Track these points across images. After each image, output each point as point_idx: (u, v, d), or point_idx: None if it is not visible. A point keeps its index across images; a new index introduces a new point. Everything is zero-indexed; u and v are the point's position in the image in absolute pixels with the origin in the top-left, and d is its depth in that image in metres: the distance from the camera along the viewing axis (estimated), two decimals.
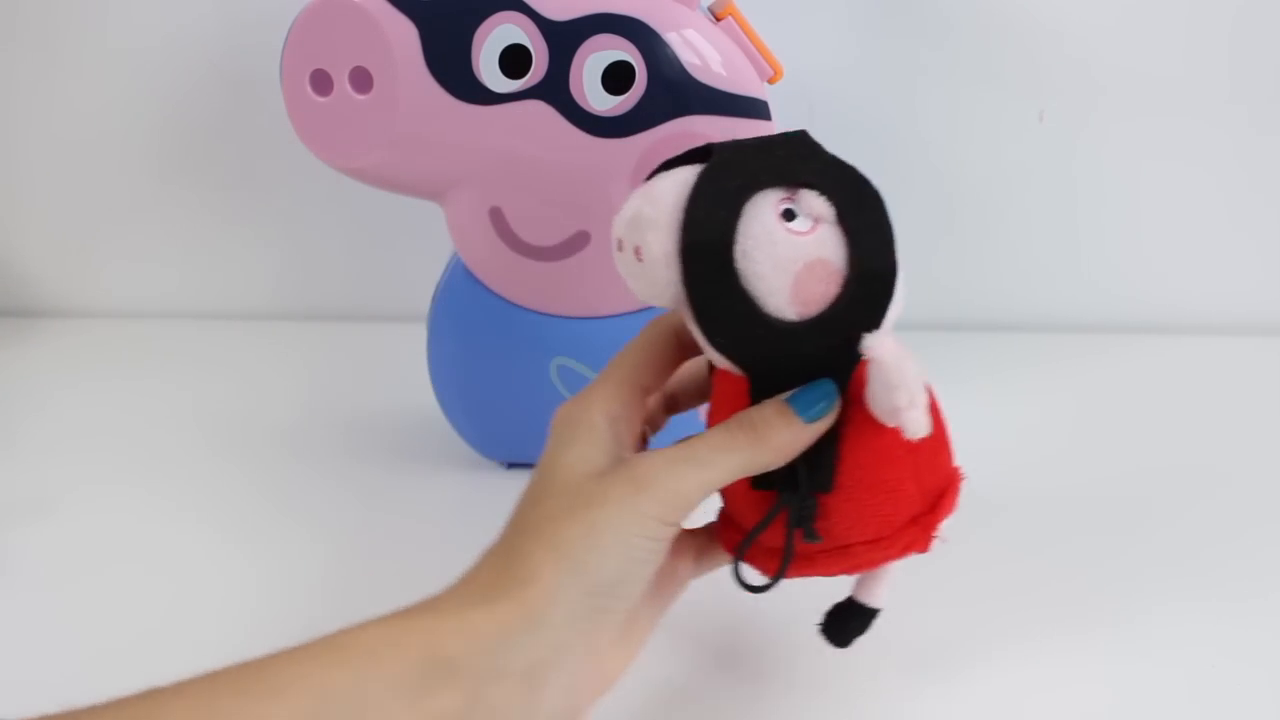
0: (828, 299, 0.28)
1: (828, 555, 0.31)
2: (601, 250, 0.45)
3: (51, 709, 0.33)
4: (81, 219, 0.69)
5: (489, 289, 0.46)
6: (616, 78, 0.42)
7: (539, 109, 0.42)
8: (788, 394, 0.29)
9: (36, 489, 0.50)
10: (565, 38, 0.41)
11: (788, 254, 0.28)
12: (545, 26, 0.41)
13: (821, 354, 0.29)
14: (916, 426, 0.28)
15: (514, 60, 0.42)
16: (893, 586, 0.34)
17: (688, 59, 0.42)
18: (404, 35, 0.41)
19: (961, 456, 0.32)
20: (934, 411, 0.31)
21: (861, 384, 0.29)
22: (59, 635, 0.40)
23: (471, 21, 0.41)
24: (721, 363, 0.30)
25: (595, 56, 0.41)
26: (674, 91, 0.42)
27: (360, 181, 0.45)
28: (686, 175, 0.29)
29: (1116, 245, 0.66)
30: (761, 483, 0.30)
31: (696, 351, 0.32)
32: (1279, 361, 0.63)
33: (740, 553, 0.31)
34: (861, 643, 0.35)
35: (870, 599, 0.34)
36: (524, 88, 0.42)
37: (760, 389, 0.30)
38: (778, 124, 0.43)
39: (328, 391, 0.60)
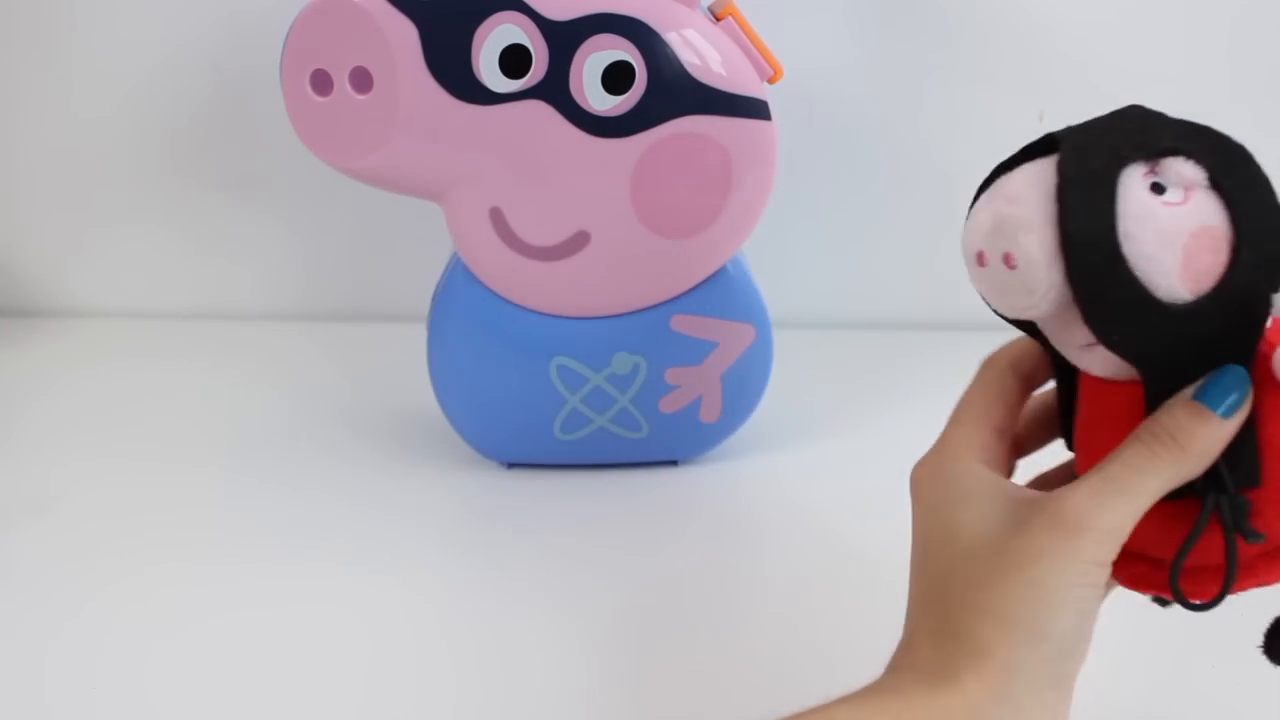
0: (1219, 269, 0.26)
1: (1270, 558, 0.28)
2: (602, 250, 0.45)
3: (51, 708, 0.34)
4: (81, 219, 0.69)
5: (489, 289, 0.46)
6: (616, 78, 0.42)
7: (539, 109, 0.42)
8: (1192, 390, 0.26)
9: (36, 489, 0.50)
10: (565, 38, 0.41)
11: (1171, 228, 0.25)
12: (545, 26, 0.41)
13: (1221, 335, 0.26)
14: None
15: (514, 60, 0.42)
16: None
17: (688, 59, 0.42)
18: (404, 35, 0.41)
19: None
20: None
21: (1266, 359, 0.26)
22: (58, 635, 0.40)
23: (471, 21, 0.41)
24: (1102, 369, 0.28)
25: (595, 56, 0.41)
26: (674, 91, 0.42)
27: (360, 181, 0.45)
28: (1040, 168, 0.26)
29: None
30: (1173, 494, 0.27)
31: (1037, 386, 0.31)
32: None
33: (1175, 579, 0.28)
34: (851, 634, 0.35)
35: None
36: (524, 88, 0.42)
37: (1157, 390, 0.27)
38: (778, 124, 0.43)
39: (328, 391, 0.60)
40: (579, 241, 0.45)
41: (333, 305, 0.71)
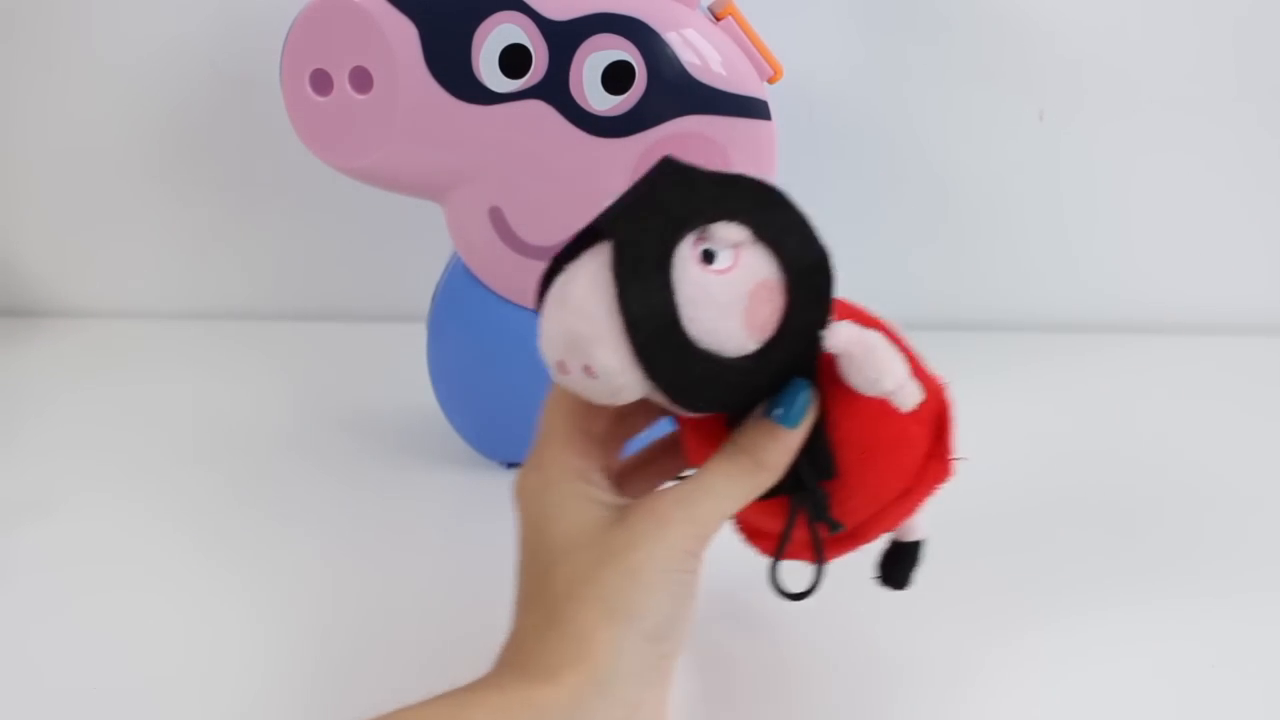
0: (779, 314, 0.28)
1: (865, 526, 0.32)
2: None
3: (50, 709, 0.33)
4: (81, 219, 0.69)
5: (489, 289, 0.46)
6: (616, 77, 0.42)
7: (539, 109, 0.42)
8: (766, 407, 0.29)
9: (36, 489, 0.50)
10: (565, 37, 0.41)
11: (727, 297, 0.27)
12: (545, 26, 0.41)
13: (789, 364, 0.29)
14: (910, 400, 0.29)
15: (514, 60, 0.42)
16: (926, 513, 0.34)
17: (688, 59, 0.42)
18: (404, 35, 0.41)
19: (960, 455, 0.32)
20: (896, 340, 0.31)
21: (830, 362, 0.29)
22: (57, 635, 0.40)
23: (471, 21, 0.41)
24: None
25: (595, 56, 0.41)
26: (674, 91, 0.42)
27: (360, 181, 0.45)
28: (596, 270, 0.27)
29: (1114, 245, 0.66)
30: (768, 493, 0.30)
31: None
32: (1279, 361, 0.63)
33: (779, 556, 0.32)
34: (856, 643, 0.35)
35: (911, 534, 0.34)
36: (524, 87, 0.42)
37: (738, 415, 0.30)
38: (778, 124, 0.43)
39: (328, 391, 0.60)
40: None
41: (333, 305, 0.71)
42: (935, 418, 0.32)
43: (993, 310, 0.68)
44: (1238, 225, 0.66)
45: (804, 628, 0.36)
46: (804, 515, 0.31)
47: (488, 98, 0.42)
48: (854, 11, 0.61)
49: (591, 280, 0.27)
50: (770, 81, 0.43)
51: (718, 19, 0.42)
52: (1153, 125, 0.63)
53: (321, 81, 0.41)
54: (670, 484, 0.30)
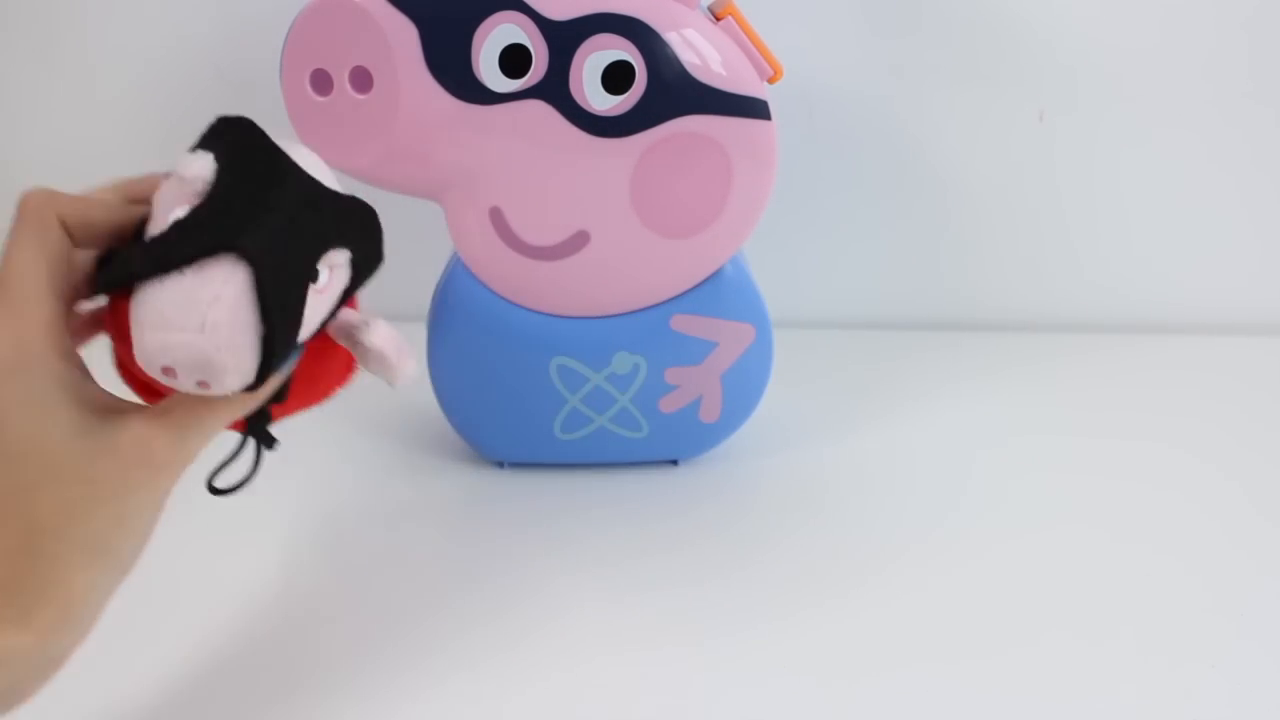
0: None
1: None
2: (602, 250, 0.45)
3: (50, 709, 0.33)
4: None
5: (489, 289, 0.46)
6: (616, 77, 0.42)
7: (539, 109, 0.42)
8: None
9: None
10: (565, 37, 0.41)
11: (316, 317, 0.30)
12: (545, 26, 0.41)
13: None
14: (408, 380, 0.34)
15: (514, 60, 0.42)
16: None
17: (688, 59, 0.42)
18: (404, 35, 0.41)
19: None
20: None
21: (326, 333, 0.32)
22: None
23: (471, 21, 0.41)
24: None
25: (595, 56, 0.41)
26: (674, 91, 0.42)
27: (360, 181, 0.45)
28: (239, 297, 0.26)
29: (1115, 245, 0.66)
30: None
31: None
32: (1279, 361, 0.63)
33: (214, 477, 0.33)
34: (849, 632, 0.35)
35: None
36: (524, 87, 0.42)
37: None
38: (778, 124, 0.43)
39: None
40: (579, 241, 0.45)
41: None
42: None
43: (993, 310, 0.68)
44: (1240, 225, 0.66)
45: None
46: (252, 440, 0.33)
47: (488, 98, 0.42)
48: (854, 11, 0.61)
49: (236, 313, 0.26)
50: (770, 81, 0.43)
51: (718, 19, 0.42)
52: (1152, 125, 0.63)
53: (321, 81, 0.41)
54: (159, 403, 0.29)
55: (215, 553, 0.45)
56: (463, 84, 0.42)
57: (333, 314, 0.31)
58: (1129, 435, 0.54)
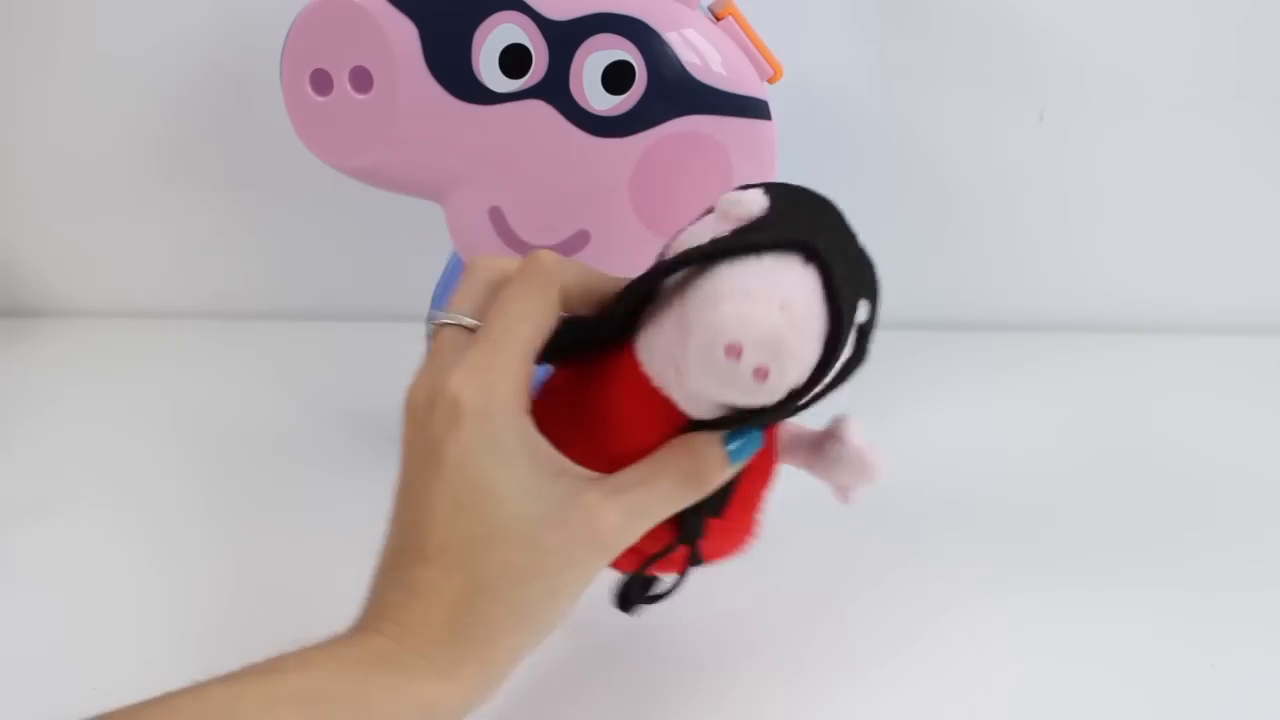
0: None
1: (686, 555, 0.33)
2: (601, 250, 0.45)
3: (50, 709, 0.33)
4: (81, 219, 0.69)
5: None
6: (617, 77, 0.42)
7: (539, 109, 0.42)
8: (725, 438, 0.29)
9: (36, 489, 0.50)
10: (565, 37, 0.41)
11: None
12: (545, 26, 0.41)
13: (785, 409, 0.29)
14: (857, 501, 0.32)
15: (514, 60, 0.42)
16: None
17: (688, 59, 0.42)
18: (404, 35, 0.41)
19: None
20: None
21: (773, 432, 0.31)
22: (57, 635, 0.40)
23: (471, 21, 0.41)
24: (681, 397, 0.29)
25: (595, 56, 0.41)
26: (674, 91, 0.42)
27: (360, 181, 0.45)
28: (811, 289, 0.27)
29: (1114, 245, 0.66)
30: None
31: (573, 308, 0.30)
32: (1279, 361, 0.63)
33: (644, 569, 0.32)
34: (856, 637, 0.35)
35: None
36: (524, 87, 0.42)
37: (700, 426, 0.29)
38: (778, 124, 0.43)
39: (328, 391, 0.60)
40: (579, 241, 0.45)
41: (333, 305, 0.71)
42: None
43: (993, 310, 0.68)
44: (1239, 225, 0.66)
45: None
46: (673, 540, 0.31)
47: (488, 98, 0.42)
48: (854, 11, 0.61)
49: (810, 298, 0.26)
50: (770, 81, 0.43)
51: (718, 19, 0.42)
52: (1153, 125, 0.63)
53: (321, 81, 0.41)
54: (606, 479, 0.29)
55: (215, 552, 0.45)
56: (463, 84, 0.42)
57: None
58: (1130, 435, 0.54)
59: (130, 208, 0.69)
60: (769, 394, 0.26)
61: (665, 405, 0.29)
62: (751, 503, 0.32)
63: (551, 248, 0.45)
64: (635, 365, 0.29)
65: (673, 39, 0.41)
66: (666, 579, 0.35)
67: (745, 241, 0.27)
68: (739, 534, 0.33)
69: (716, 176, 0.43)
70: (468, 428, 0.27)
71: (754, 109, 0.43)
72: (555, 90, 0.42)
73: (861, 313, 0.28)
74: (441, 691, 0.26)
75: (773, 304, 0.26)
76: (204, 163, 0.67)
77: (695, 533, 0.31)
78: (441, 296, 0.48)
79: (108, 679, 0.38)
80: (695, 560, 0.32)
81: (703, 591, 0.43)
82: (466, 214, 0.45)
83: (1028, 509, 0.48)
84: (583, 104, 0.42)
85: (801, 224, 0.28)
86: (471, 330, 0.29)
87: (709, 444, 0.29)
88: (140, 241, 0.70)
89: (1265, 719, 0.36)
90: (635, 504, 0.28)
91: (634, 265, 0.45)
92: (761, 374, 0.26)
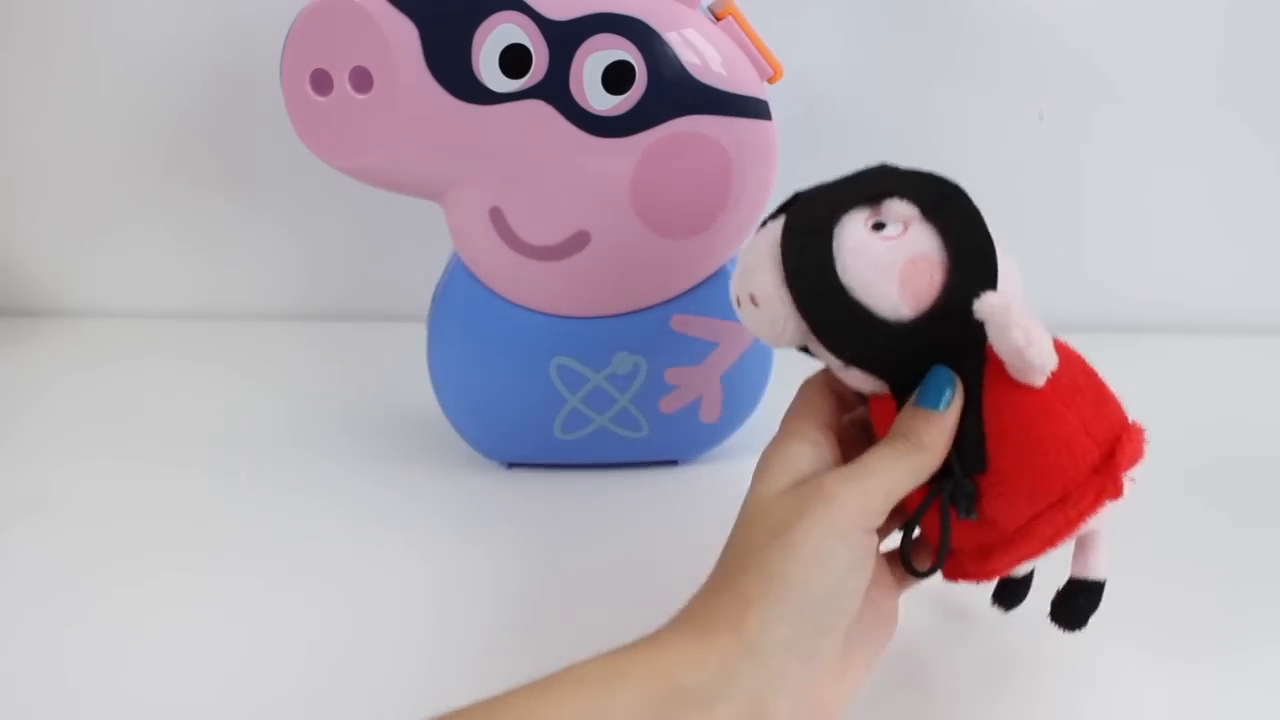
0: (936, 289, 0.30)
1: (1017, 536, 0.31)
2: (602, 250, 0.45)
3: (46, 709, 0.34)
4: (81, 219, 0.69)
5: (489, 289, 0.46)
6: (617, 77, 0.42)
7: (539, 109, 0.42)
8: (915, 395, 0.31)
9: (36, 488, 0.50)
10: (565, 37, 0.41)
11: (886, 258, 0.30)
12: (545, 26, 0.41)
13: (945, 344, 0.30)
14: (1045, 358, 0.29)
15: (514, 60, 0.41)
16: (1109, 554, 0.34)
17: (688, 59, 0.42)
18: (404, 35, 0.41)
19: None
20: (1077, 362, 0.33)
21: (997, 362, 0.30)
22: (57, 635, 0.40)
23: (471, 21, 0.41)
24: (862, 383, 0.32)
25: (595, 56, 0.41)
26: (674, 91, 0.42)
27: (360, 181, 0.45)
28: (775, 223, 0.32)
29: (1116, 245, 0.66)
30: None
31: (849, 405, 0.34)
32: (1278, 361, 0.63)
33: (906, 543, 0.32)
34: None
35: (1091, 573, 0.34)
36: (524, 87, 0.42)
37: (901, 396, 0.31)
38: (778, 124, 0.43)
39: (328, 391, 0.60)
40: (579, 241, 0.45)
41: (333, 305, 0.71)
42: (1110, 438, 0.32)
43: None
44: (1241, 225, 0.66)
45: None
46: (940, 501, 0.31)
47: (488, 98, 0.42)
48: (854, 11, 0.61)
49: (768, 230, 0.32)
50: (770, 81, 0.43)
51: (718, 19, 0.42)
52: (1159, 126, 0.63)
53: (321, 81, 0.41)
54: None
55: (214, 552, 0.45)
56: (463, 84, 0.42)
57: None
58: None
59: (130, 208, 0.69)
60: (771, 308, 0.31)
61: (876, 402, 0.33)
62: (1049, 437, 0.30)
63: (551, 248, 0.45)
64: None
65: (673, 39, 0.41)
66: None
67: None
68: (1053, 479, 0.31)
69: (717, 176, 0.43)
70: (752, 479, 0.32)
71: (754, 109, 0.43)
72: (555, 90, 0.42)
73: (903, 208, 0.31)
74: (696, 652, 0.27)
75: (740, 255, 0.33)
76: (204, 163, 0.67)
77: (963, 494, 0.31)
78: (442, 296, 0.48)
79: (107, 677, 0.38)
80: (967, 511, 0.31)
81: None
82: (466, 214, 0.45)
83: None
84: (583, 104, 0.42)
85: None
86: None
87: (906, 408, 0.31)
88: (140, 241, 0.70)
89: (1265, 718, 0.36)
90: (856, 466, 0.30)
91: (634, 265, 0.46)
92: (754, 299, 0.31)
